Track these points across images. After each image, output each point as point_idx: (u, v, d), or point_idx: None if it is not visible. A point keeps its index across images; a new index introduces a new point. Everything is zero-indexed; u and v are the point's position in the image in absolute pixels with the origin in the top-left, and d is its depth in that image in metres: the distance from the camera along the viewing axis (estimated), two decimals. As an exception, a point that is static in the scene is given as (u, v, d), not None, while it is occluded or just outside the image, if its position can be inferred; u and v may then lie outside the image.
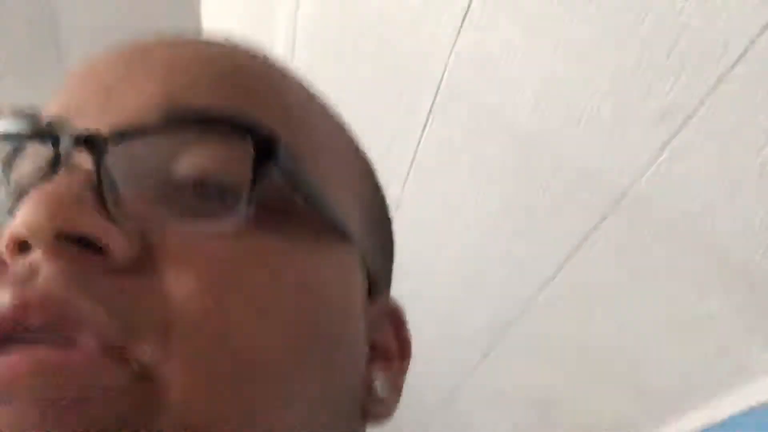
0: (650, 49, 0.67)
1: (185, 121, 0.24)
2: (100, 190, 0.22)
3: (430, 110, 0.86)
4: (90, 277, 0.20)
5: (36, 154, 0.25)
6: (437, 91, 0.84)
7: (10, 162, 0.26)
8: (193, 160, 0.24)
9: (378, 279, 0.31)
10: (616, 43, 0.69)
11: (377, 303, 0.31)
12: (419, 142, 0.90)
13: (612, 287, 0.90)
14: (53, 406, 0.18)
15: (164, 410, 0.19)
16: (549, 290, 0.97)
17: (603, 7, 0.68)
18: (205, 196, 0.24)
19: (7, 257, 0.21)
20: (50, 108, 0.27)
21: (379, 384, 0.29)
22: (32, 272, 0.20)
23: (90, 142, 0.23)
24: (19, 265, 0.21)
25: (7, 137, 0.26)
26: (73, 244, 0.21)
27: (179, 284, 0.21)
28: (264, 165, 0.24)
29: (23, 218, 0.20)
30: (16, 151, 0.26)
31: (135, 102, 0.25)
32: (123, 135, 0.23)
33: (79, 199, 0.21)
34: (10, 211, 0.25)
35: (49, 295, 0.20)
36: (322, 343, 0.24)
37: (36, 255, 0.20)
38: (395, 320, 0.32)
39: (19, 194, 0.25)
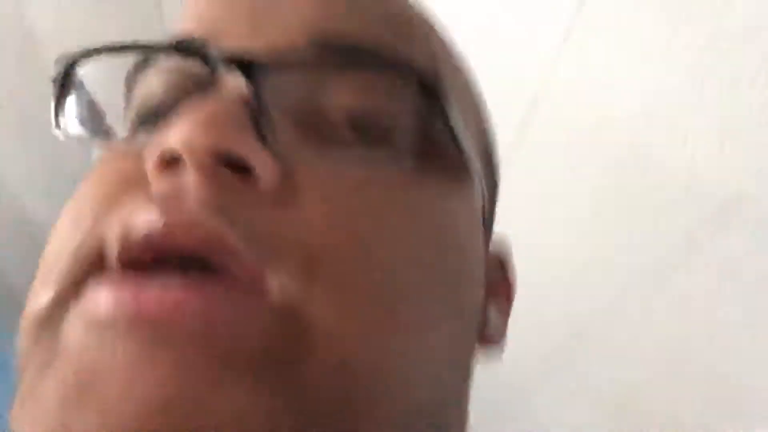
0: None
1: (345, 51, 0.23)
2: (256, 115, 0.21)
3: (521, 127, 0.84)
4: (238, 204, 0.19)
5: (169, 71, 0.24)
6: (531, 108, 0.81)
7: (134, 76, 0.25)
8: (348, 92, 0.23)
9: (489, 220, 0.31)
10: (731, 68, 0.65)
11: (489, 242, 0.31)
12: (507, 159, 0.88)
13: (708, 299, 0.88)
14: (208, 345, 0.17)
15: (312, 346, 0.18)
16: (635, 298, 0.96)
17: (713, 28, 0.64)
18: (358, 130, 0.23)
19: (152, 174, 0.20)
20: (185, 24, 0.25)
21: (493, 314, 0.30)
22: (181, 193, 0.19)
23: (245, 64, 0.21)
24: (165, 182, 0.20)
25: (145, 49, 0.24)
26: (225, 166, 0.20)
27: (323, 216, 0.20)
28: (426, 105, 0.23)
29: (179, 134, 0.19)
30: (143, 66, 0.25)
31: (287, 25, 0.24)
32: (279, 59, 0.22)
33: (237, 121, 0.20)
34: (135, 127, 0.24)
35: (198, 221, 0.19)
36: (456, 277, 0.24)
37: (185, 175, 0.19)
38: (503, 261, 0.32)
39: (152, 111, 0.24)
